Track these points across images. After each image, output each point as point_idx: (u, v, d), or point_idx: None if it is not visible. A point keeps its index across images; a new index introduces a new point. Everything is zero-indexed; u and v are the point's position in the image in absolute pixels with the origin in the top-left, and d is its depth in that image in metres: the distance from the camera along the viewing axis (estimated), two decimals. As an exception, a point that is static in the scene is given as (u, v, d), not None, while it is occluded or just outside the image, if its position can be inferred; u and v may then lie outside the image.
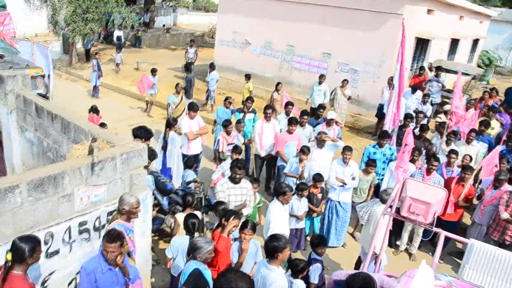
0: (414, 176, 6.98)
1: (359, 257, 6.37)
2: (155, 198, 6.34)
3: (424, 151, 8.29)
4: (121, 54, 18.55)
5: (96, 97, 14.75)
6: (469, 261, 3.93)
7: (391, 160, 7.97)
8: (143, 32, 25.30)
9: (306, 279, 4.91)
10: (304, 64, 14.69)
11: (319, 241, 5.31)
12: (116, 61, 18.38)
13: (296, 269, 4.58)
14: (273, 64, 15.49)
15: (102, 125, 9.23)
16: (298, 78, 14.83)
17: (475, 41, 21.19)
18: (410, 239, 7.43)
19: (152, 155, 5.98)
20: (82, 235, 4.55)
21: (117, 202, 4.50)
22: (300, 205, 6.55)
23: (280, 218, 5.60)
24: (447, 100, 13.20)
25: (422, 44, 14.86)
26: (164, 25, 29.33)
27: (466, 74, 14.59)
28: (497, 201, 6.71)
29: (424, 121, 10.37)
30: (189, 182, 7.19)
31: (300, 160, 7.27)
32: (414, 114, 10.48)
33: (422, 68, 13.99)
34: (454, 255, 7.49)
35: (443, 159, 7.93)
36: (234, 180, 5.81)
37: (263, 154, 8.73)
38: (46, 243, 4.17)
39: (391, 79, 10.88)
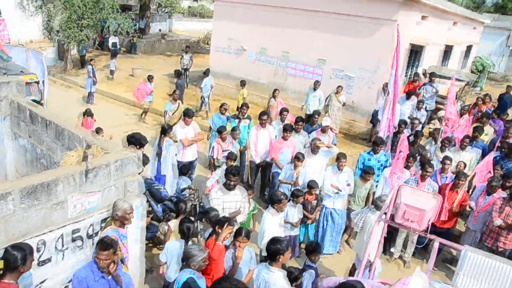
0: (408, 183, 7.00)
1: (354, 264, 6.37)
2: (149, 205, 6.31)
3: (418, 158, 8.31)
4: (115, 60, 18.49)
5: (91, 103, 14.70)
6: (463, 268, 3.93)
7: (385, 167, 7.98)
8: (138, 39, 25.32)
9: (299, 286, 4.89)
10: (299, 71, 14.74)
11: (314, 248, 5.30)
12: (110, 67, 18.29)
13: (290, 277, 4.57)
14: (268, 70, 15.53)
15: (98, 129, 9.24)
16: (293, 84, 14.88)
17: (468, 48, 21.38)
18: (404, 246, 7.43)
19: (143, 160, 5.96)
20: (75, 242, 4.52)
21: (111, 209, 4.48)
22: (295, 212, 6.54)
23: (274, 226, 5.59)
24: (441, 106, 13.27)
25: (416, 51, 14.97)
26: (160, 30, 29.39)
27: (460, 80, 14.69)
28: (490, 208, 6.73)
29: (419, 128, 10.41)
30: (184, 189, 7.16)
31: (295, 167, 7.27)
32: (408, 121, 10.53)
33: (416, 74, 14.07)
34: (448, 262, 7.50)
35: (437, 165, 7.97)
36: (228, 187, 5.80)
37: (258, 160, 8.73)
38: (38, 250, 4.14)
39: (385, 85, 10.94)
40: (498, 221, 6.47)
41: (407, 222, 4.36)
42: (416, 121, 10.15)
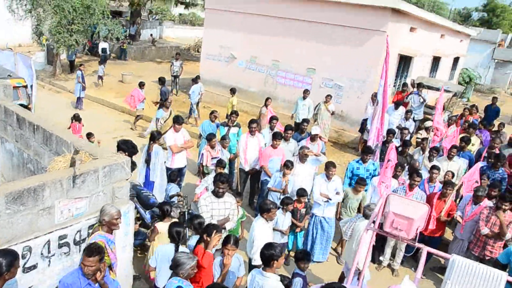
0: (397, 192, 7.05)
1: (342, 273, 6.37)
2: (138, 212, 6.25)
3: (407, 167, 8.37)
4: (103, 67, 18.31)
5: (80, 108, 14.60)
6: (451, 277, 3.96)
7: (374, 176, 8.03)
8: (129, 45, 25.27)
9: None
10: (289, 79, 14.81)
11: (303, 256, 5.28)
12: (98, 73, 18.08)
13: (280, 285, 4.55)
14: (258, 78, 15.58)
15: (89, 134, 9.20)
16: (283, 93, 14.94)
17: (456, 59, 21.71)
18: (393, 254, 7.46)
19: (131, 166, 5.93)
20: (62, 249, 4.45)
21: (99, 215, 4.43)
22: (285, 219, 6.53)
23: (264, 235, 5.57)
24: (429, 117, 13.42)
25: (405, 61, 15.15)
26: (151, 34, 29.40)
27: (448, 91, 14.89)
28: (477, 217, 6.80)
29: (407, 137, 10.51)
30: (172, 196, 7.13)
31: (284, 175, 7.27)
32: (397, 130, 10.62)
33: (405, 84, 14.23)
34: (436, 271, 7.54)
35: (425, 174, 8.04)
36: (217, 194, 5.78)
37: (247, 168, 8.72)
38: (24, 257, 4.07)
39: (374, 95, 11.03)
40: (485, 230, 6.54)
41: (395, 231, 4.38)
42: (406, 131, 10.25)
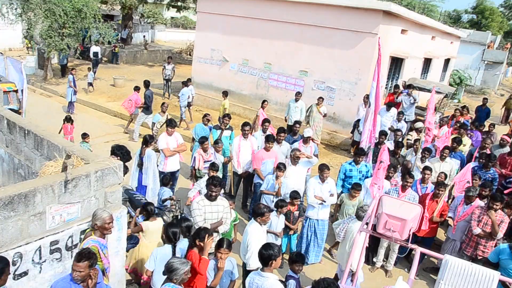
0: (389, 193, 7.08)
1: (336, 274, 6.37)
2: (130, 216, 6.22)
3: (399, 168, 8.41)
4: (93, 73, 18.04)
5: (72, 113, 14.50)
6: (444, 277, 3.98)
7: (367, 177, 8.05)
8: (120, 48, 25.19)
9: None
10: (281, 82, 14.84)
11: (297, 258, 5.27)
12: (88, 80, 17.66)
13: None
14: (250, 81, 15.59)
15: (84, 135, 9.19)
16: (275, 95, 14.97)
17: (447, 61, 21.89)
18: (386, 255, 7.48)
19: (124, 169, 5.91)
20: (53, 255, 4.41)
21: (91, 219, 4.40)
22: (279, 222, 6.53)
23: (259, 240, 5.56)
24: (420, 118, 13.51)
25: (396, 63, 15.25)
26: (144, 36, 29.36)
27: (439, 93, 15.00)
28: (469, 217, 6.84)
29: (400, 138, 10.57)
30: (165, 200, 7.10)
31: (277, 177, 7.28)
32: (389, 132, 10.67)
33: (397, 86, 14.31)
34: (429, 271, 7.57)
35: (418, 175, 8.08)
36: (210, 197, 5.76)
37: (240, 171, 8.72)
38: (14, 264, 4.02)
39: (366, 97, 11.09)
40: (477, 230, 6.58)
41: (388, 232, 4.40)
42: (399, 133, 10.29)
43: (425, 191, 7.65)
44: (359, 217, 6.10)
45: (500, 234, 6.50)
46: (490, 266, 5.56)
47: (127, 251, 5.88)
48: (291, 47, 14.25)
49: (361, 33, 12.73)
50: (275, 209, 6.48)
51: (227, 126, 9.59)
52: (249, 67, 15.55)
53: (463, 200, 7.17)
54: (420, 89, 14.65)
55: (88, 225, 4.55)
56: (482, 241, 6.61)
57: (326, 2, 13.25)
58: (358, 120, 11.82)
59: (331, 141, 13.88)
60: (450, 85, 22.20)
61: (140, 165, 7.73)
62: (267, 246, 4.38)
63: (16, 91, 11.00)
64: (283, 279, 5.16)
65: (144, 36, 29.71)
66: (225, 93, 13.42)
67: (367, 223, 4.74)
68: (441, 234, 8.26)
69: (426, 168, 7.90)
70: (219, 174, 7.84)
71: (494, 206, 6.49)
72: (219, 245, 4.70)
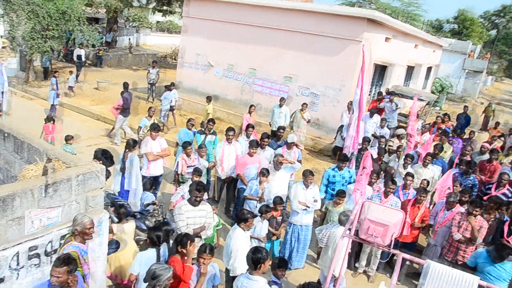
0: (372, 199, 7.13)
1: (319, 280, 6.38)
2: (112, 221, 6.13)
3: (383, 174, 8.49)
4: (74, 77, 17.72)
5: (54, 116, 14.29)
6: (426, 282, 4.02)
7: (350, 183, 8.11)
8: (105, 52, 24.97)
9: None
10: (266, 87, 14.88)
11: (280, 264, 5.26)
12: (69, 83, 17.24)
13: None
14: (235, 86, 15.60)
15: (68, 137, 9.08)
16: (259, 101, 14.99)
17: (429, 69, 22.25)
18: (369, 261, 7.52)
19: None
20: (32, 260, 4.32)
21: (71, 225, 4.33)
22: (263, 227, 6.52)
23: (242, 245, 5.55)
24: (403, 125, 13.68)
25: (380, 70, 15.44)
26: (130, 39, 29.18)
27: (421, 100, 15.23)
28: (450, 223, 6.94)
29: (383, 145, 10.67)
30: (147, 205, 7.03)
31: (260, 182, 7.27)
32: (372, 138, 10.77)
33: (380, 93, 14.48)
34: (411, 276, 7.63)
35: (400, 181, 8.17)
36: (193, 202, 5.73)
37: (223, 176, 8.69)
38: (-10, 270, 3.94)
39: (350, 103, 11.19)
40: (458, 236, 6.68)
41: (371, 238, 4.43)
42: (383, 139, 10.39)
43: (407, 197, 7.73)
44: (341, 222, 6.13)
45: (480, 239, 6.61)
46: (469, 270, 5.65)
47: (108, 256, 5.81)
48: (276, 52, 14.32)
49: (346, 40, 12.86)
50: (259, 214, 6.47)
51: (211, 131, 9.57)
52: (234, 72, 15.56)
53: (444, 206, 7.28)
54: (403, 96, 14.85)
55: (69, 230, 4.47)
56: (462, 246, 6.71)
57: (311, 8, 13.39)
58: (341, 126, 11.93)
59: (315, 147, 13.95)
60: (433, 92, 22.58)
61: (123, 169, 7.65)
62: (255, 250, 4.44)
63: (-4, 93, 10.82)
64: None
65: (129, 39, 29.52)
66: (209, 98, 13.40)
67: (349, 229, 4.77)
68: (422, 239, 8.35)
69: (408, 174, 7.99)
70: (203, 179, 7.81)
71: (474, 212, 6.59)
72: (202, 250, 4.67)
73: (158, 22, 40.68)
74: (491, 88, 48.50)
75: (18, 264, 4.18)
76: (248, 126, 9.57)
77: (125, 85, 12.98)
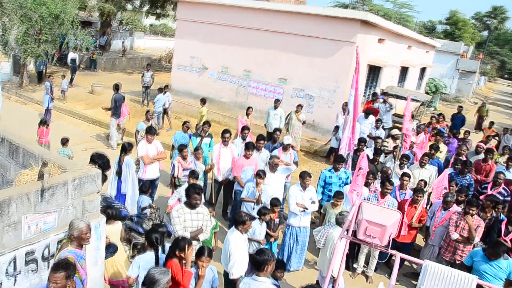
0: (369, 200, 7.14)
1: (317, 281, 6.38)
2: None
3: (379, 175, 8.50)
4: (67, 81, 17.61)
5: (48, 120, 14.21)
6: (424, 282, 4.02)
7: (346, 184, 8.12)
8: (99, 55, 24.89)
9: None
10: (261, 90, 14.89)
11: (278, 265, 5.26)
12: (61, 87, 17.06)
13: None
14: (229, 89, 15.60)
15: (64, 140, 9.03)
16: (254, 103, 14.97)
17: (422, 70, 22.37)
18: (367, 261, 7.53)
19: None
20: (29, 266, 4.28)
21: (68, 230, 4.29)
22: (262, 229, 6.51)
23: (240, 248, 5.54)
24: (397, 125, 13.74)
25: (374, 71, 15.49)
26: (123, 42, 29.09)
27: (416, 100, 15.30)
28: (447, 222, 6.96)
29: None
30: (145, 208, 7.00)
31: (257, 184, 7.26)
32: (368, 139, 10.80)
33: (375, 94, 14.53)
34: (409, 276, 7.65)
35: (397, 182, 8.19)
36: (190, 205, 5.71)
37: (220, 178, 8.68)
38: (-13, 276, 3.90)
39: (345, 104, 11.21)
40: (455, 235, 6.70)
41: (369, 238, 4.43)
42: (379, 140, 10.42)
43: (403, 197, 7.75)
44: (338, 223, 6.14)
45: (477, 239, 6.63)
46: (465, 269, 5.68)
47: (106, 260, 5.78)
48: (270, 55, 14.34)
49: (339, 42, 12.90)
50: (258, 216, 6.46)
51: (207, 134, 9.55)
52: (228, 74, 15.56)
53: (441, 206, 7.30)
54: (398, 97, 14.92)
55: (66, 234, 4.44)
56: (460, 246, 6.73)
57: (305, 11, 13.42)
58: (337, 127, 11.95)
59: (310, 148, 13.97)
60: (427, 93, 22.68)
61: (119, 173, 7.61)
62: (260, 252, 4.49)
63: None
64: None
65: (123, 43, 29.44)
66: (203, 100, 13.38)
67: (347, 230, 4.77)
68: (419, 240, 8.37)
69: (405, 174, 8.01)
70: (200, 182, 7.79)
71: (471, 211, 6.62)
72: (200, 253, 4.65)
73: (151, 25, 40.62)
74: (484, 88, 48.89)
75: (15, 269, 4.14)
76: (244, 128, 9.56)
77: (116, 87, 12.93)
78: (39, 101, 15.80)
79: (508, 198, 8.19)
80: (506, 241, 6.54)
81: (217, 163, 8.58)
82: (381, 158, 9.58)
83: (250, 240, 6.25)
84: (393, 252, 4.56)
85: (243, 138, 9.26)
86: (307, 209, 7.09)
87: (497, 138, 14.35)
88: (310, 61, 13.57)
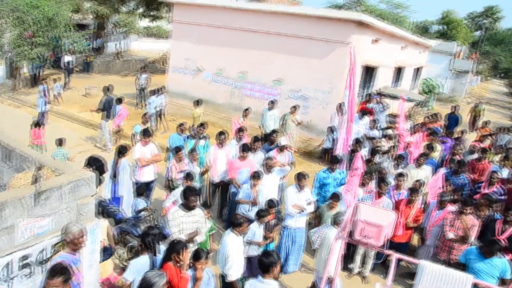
0: (365, 200, 7.15)
1: (313, 282, 6.37)
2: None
3: (375, 175, 8.51)
4: (59, 85, 17.38)
5: (44, 123, 14.13)
6: (420, 282, 4.03)
7: (342, 184, 8.12)
8: (94, 58, 24.80)
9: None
10: (256, 91, 14.89)
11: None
12: (54, 91, 16.73)
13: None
14: (224, 90, 15.59)
15: (60, 141, 9.00)
16: (249, 104, 14.90)
17: (417, 70, 22.44)
18: (363, 261, 7.53)
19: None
20: (24, 270, 4.25)
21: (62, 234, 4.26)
22: (260, 231, 6.49)
23: (237, 250, 5.53)
24: (392, 125, 13.76)
25: (368, 72, 15.53)
26: (117, 44, 29.02)
27: (411, 100, 15.36)
28: (442, 222, 6.98)
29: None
30: (140, 211, 6.97)
31: (253, 186, 7.25)
32: (363, 139, 10.81)
33: (370, 94, 14.56)
34: (405, 276, 7.65)
35: (393, 182, 8.19)
36: (186, 207, 5.69)
37: (216, 180, 8.66)
38: (-19, 281, 3.87)
39: (339, 106, 11.23)
40: (450, 235, 6.71)
41: (365, 239, 4.43)
42: (375, 140, 10.42)
43: (399, 197, 7.76)
44: (335, 223, 6.15)
45: (472, 238, 6.65)
46: (459, 267, 5.71)
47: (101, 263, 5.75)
48: (265, 56, 14.35)
49: (334, 42, 12.92)
50: (256, 217, 6.43)
51: (202, 135, 9.53)
52: (223, 76, 15.55)
53: (436, 206, 7.32)
54: (393, 97, 14.95)
55: (60, 238, 4.41)
56: (456, 245, 6.74)
57: (299, 12, 13.45)
58: (330, 128, 11.97)
59: (306, 149, 13.97)
60: (421, 93, 22.75)
61: (115, 176, 7.58)
62: (267, 254, 4.55)
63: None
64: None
65: (116, 45, 29.36)
66: (197, 102, 13.34)
67: (343, 230, 4.77)
68: (415, 240, 8.38)
69: (400, 174, 8.03)
70: (197, 184, 7.77)
71: (466, 211, 6.64)
72: (198, 256, 4.64)
73: (146, 27, 40.51)
74: (478, 88, 49.13)
75: (9, 274, 4.11)
76: (240, 129, 9.54)
77: (106, 89, 12.89)
78: (33, 104, 15.69)
79: (503, 197, 8.23)
80: (501, 240, 6.56)
81: (213, 165, 8.57)
82: (377, 158, 9.59)
83: (250, 242, 6.24)
84: (389, 252, 4.56)
85: (239, 139, 9.25)
86: (304, 210, 7.09)
87: (491, 137, 14.41)
88: (305, 62, 13.58)
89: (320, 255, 6.21)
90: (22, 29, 15.96)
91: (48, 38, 16.92)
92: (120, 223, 6.66)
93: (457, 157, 9.66)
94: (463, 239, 6.67)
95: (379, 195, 7.28)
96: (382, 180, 7.45)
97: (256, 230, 6.38)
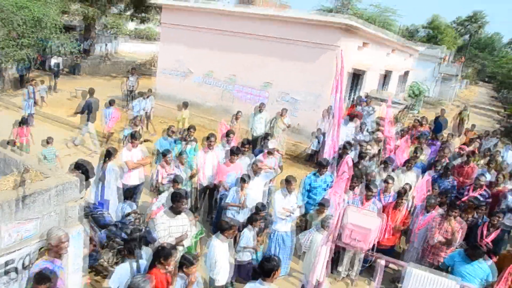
0: (353, 203, 7.18)
1: (302, 285, 6.39)
2: (93, 231, 6.02)
3: (363, 179, 8.55)
4: (45, 87, 17.14)
5: (31, 125, 13.96)
6: (407, 284, 4.07)
7: (331, 187, 8.14)
8: (82, 59, 24.60)
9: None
10: (246, 94, 14.91)
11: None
12: (40, 93, 16.31)
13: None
14: (214, 93, 15.58)
15: (49, 139, 8.91)
16: (239, 107, 14.94)
17: (405, 73, 22.64)
18: (351, 265, 7.54)
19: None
20: (9, 275, 4.19)
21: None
22: (254, 236, 6.48)
23: (224, 255, 5.52)
24: (381, 128, 13.85)
25: (356, 76, 15.63)
26: (106, 44, 28.78)
27: (399, 104, 15.49)
28: (429, 225, 7.04)
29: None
30: (128, 214, 6.91)
31: (241, 189, 7.24)
32: (352, 142, 10.88)
33: (359, 98, 14.65)
34: (391, 281, 7.68)
35: (381, 185, 8.24)
36: (175, 211, 5.66)
37: (205, 183, 8.63)
38: (-35, 285, 3.81)
39: (326, 110, 11.28)
40: (436, 238, 6.77)
41: (354, 242, 4.47)
42: (363, 143, 10.48)
43: (388, 201, 7.81)
44: (323, 226, 6.17)
45: (459, 241, 6.72)
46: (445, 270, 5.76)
47: (89, 267, 5.70)
48: (255, 59, 14.37)
49: (323, 46, 13.00)
50: (249, 222, 6.43)
51: (191, 138, 9.49)
52: (213, 78, 15.55)
53: (422, 209, 7.38)
54: (382, 101, 15.07)
55: (44, 243, 4.36)
56: (443, 248, 6.80)
57: (289, 15, 13.50)
58: (318, 129, 12.02)
59: (295, 152, 14.01)
60: (410, 96, 22.94)
61: (101, 179, 7.51)
62: (269, 259, 4.55)
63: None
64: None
65: (106, 45, 29.17)
66: (185, 104, 13.29)
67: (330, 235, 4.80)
68: (403, 243, 8.43)
69: (389, 177, 8.08)
70: (187, 188, 7.74)
71: (453, 214, 6.71)
72: (189, 262, 4.63)
73: (135, 29, 40.34)
74: (465, 91, 49.73)
75: (-6, 278, 4.06)
76: (228, 132, 9.52)
77: (90, 91, 12.81)
78: (19, 107, 15.50)
79: (489, 200, 8.33)
80: (482, 245, 6.59)
81: (202, 168, 8.54)
82: (365, 162, 9.64)
83: (244, 248, 6.23)
84: (377, 255, 4.60)
85: (228, 142, 9.22)
86: (293, 213, 7.09)
87: (478, 140, 14.59)
88: (294, 66, 13.64)
89: (309, 258, 6.22)
90: (8, 30, 15.75)
91: (37, 39, 16.74)
92: (107, 227, 6.59)
93: (444, 160, 9.76)
94: (450, 242, 6.73)
95: (367, 198, 7.32)
96: (370, 184, 7.48)
97: (251, 235, 6.37)
